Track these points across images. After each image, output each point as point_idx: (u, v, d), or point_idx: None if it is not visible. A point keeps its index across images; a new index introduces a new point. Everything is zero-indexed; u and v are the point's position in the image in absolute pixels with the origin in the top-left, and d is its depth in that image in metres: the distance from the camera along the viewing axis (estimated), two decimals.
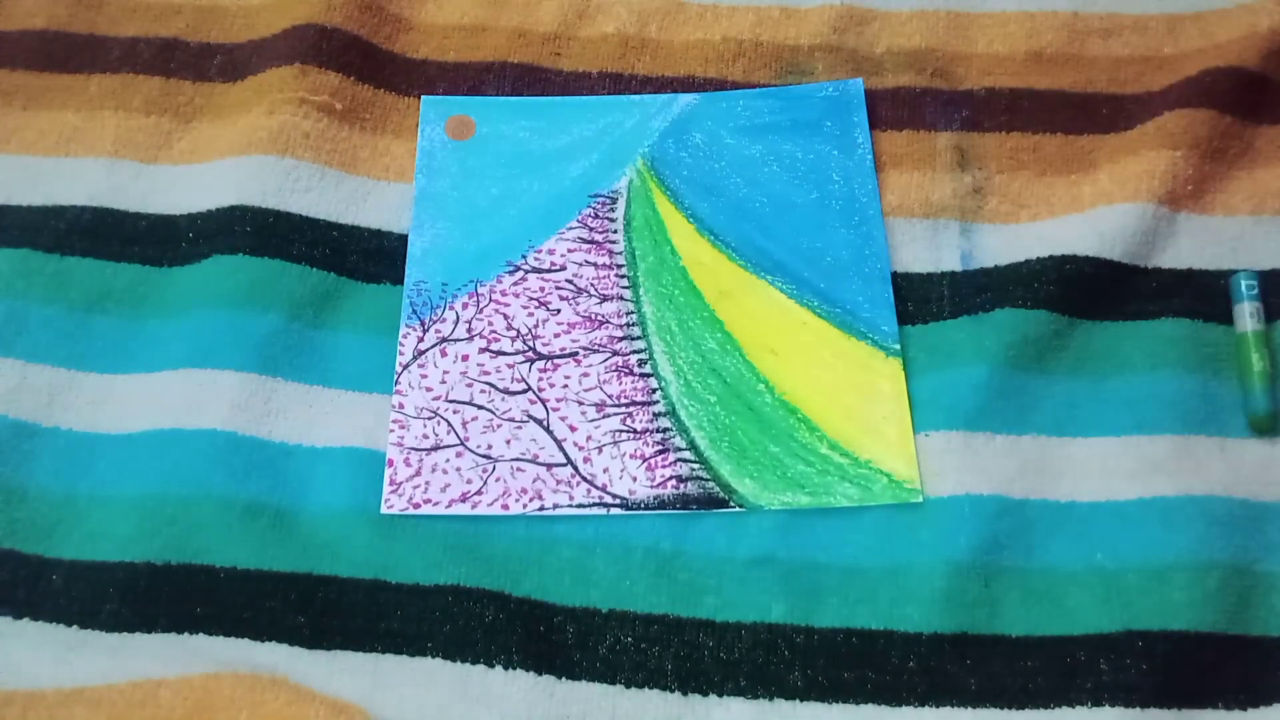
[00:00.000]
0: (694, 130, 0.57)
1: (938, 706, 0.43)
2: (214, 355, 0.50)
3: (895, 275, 0.53)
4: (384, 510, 0.47)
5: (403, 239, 0.54)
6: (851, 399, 0.49)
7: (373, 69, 0.59)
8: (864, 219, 0.53)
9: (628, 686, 0.44)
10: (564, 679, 0.44)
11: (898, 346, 0.50)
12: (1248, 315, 0.50)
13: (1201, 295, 0.51)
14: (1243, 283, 0.51)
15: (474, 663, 0.44)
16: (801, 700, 0.44)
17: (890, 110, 0.57)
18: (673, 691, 0.44)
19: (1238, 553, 0.45)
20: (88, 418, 0.50)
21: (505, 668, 0.44)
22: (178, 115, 0.58)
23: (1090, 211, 0.53)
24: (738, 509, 0.47)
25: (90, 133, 0.57)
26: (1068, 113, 0.57)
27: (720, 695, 0.44)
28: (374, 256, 0.53)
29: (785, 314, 0.51)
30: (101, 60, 0.60)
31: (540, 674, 0.44)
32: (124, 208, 0.55)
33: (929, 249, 0.53)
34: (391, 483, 0.48)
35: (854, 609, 0.45)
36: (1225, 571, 0.45)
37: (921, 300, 0.52)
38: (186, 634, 0.45)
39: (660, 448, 0.48)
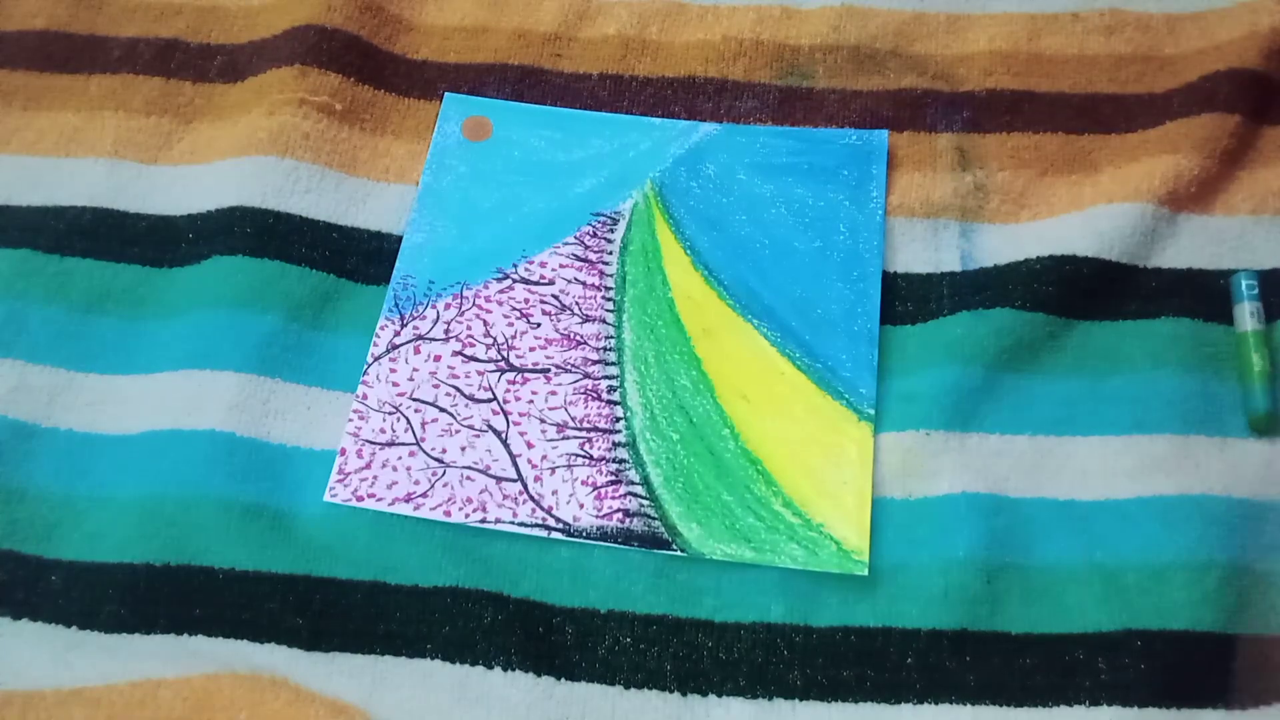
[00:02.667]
0: (708, 161, 0.56)
1: (936, 703, 0.43)
2: (213, 356, 0.50)
3: (895, 275, 0.53)
4: (326, 498, 0.47)
5: (401, 240, 0.54)
6: (815, 458, 0.48)
7: (373, 70, 0.59)
8: (862, 275, 0.52)
9: (627, 687, 0.44)
10: (563, 680, 0.44)
11: (872, 411, 0.49)
12: (1248, 315, 0.50)
13: (1201, 295, 0.51)
14: (1243, 282, 0.51)
15: (473, 664, 0.44)
16: (801, 699, 0.44)
17: (891, 111, 0.57)
18: (672, 692, 0.44)
19: (1237, 552, 0.45)
20: (87, 418, 0.50)
21: (505, 669, 0.44)
22: (178, 116, 0.58)
23: (1090, 210, 0.53)
24: (679, 553, 0.46)
25: (90, 133, 0.57)
26: (1068, 113, 0.57)
27: (720, 695, 0.44)
28: (373, 258, 0.53)
29: (764, 361, 0.50)
30: (102, 60, 0.60)
31: (540, 675, 0.44)
32: (124, 208, 0.55)
33: (929, 249, 0.53)
34: (340, 472, 0.48)
35: (852, 608, 0.45)
36: (1224, 571, 0.45)
37: (921, 300, 0.52)
38: (185, 635, 0.45)
39: (613, 478, 0.48)
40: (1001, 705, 0.43)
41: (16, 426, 0.49)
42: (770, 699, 0.44)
